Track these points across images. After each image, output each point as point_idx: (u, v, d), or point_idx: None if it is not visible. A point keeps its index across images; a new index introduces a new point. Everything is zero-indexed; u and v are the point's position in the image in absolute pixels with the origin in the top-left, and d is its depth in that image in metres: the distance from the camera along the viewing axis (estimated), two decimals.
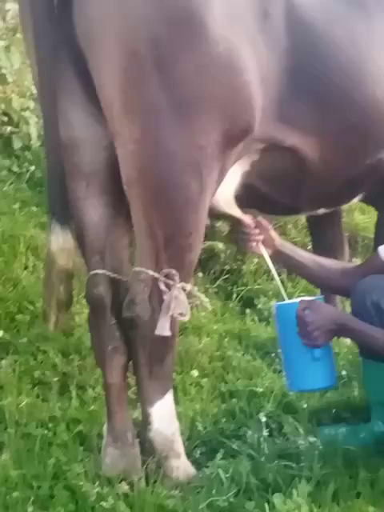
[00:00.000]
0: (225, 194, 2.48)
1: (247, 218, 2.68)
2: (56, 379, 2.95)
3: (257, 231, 2.71)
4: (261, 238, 2.72)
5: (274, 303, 2.61)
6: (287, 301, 2.61)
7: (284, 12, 2.37)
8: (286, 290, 3.88)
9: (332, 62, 2.51)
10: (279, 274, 3.95)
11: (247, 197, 2.62)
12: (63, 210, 2.26)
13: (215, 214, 2.58)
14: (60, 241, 2.23)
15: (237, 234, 2.76)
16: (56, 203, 2.27)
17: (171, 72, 2.10)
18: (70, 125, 2.24)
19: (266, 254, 2.74)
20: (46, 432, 2.60)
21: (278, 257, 2.81)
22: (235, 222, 2.71)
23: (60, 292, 2.28)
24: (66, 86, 2.21)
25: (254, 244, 2.73)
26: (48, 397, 2.86)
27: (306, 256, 2.84)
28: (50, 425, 2.66)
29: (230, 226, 3.09)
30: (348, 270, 2.82)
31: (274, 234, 2.76)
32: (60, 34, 2.15)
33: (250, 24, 2.25)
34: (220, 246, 3.99)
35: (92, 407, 2.78)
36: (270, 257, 2.77)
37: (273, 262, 2.78)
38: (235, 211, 2.62)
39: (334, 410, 2.87)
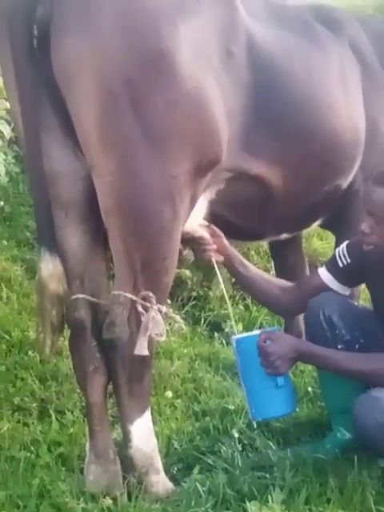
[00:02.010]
0: (196, 220, 2.61)
1: (202, 230, 2.77)
2: (35, 405, 3.03)
3: (211, 241, 2.79)
4: (215, 247, 2.80)
5: (233, 337, 2.68)
6: (245, 334, 2.70)
7: (245, 50, 2.52)
8: (250, 315, 4.06)
9: (291, 96, 2.67)
10: (244, 299, 4.13)
11: (214, 224, 2.76)
12: (51, 238, 2.35)
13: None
14: (50, 267, 2.32)
15: (193, 245, 2.84)
16: (44, 231, 2.36)
17: (144, 108, 2.22)
18: (50, 158, 2.32)
19: (216, 265, 2.82)
20: (28, 454, 2.68)
21: (228, 265, 2.89)
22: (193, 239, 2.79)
23: (53, 316, 2.37)
24: (45, 122, 2.29)
25: (211, 253, 2.80)
26: (28, 421, 2.94)
27: (252, 269, 2.93)
28: (33, 447, 2.74)
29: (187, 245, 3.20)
30: (288, 287, 2.92)
31: (226, 242, 2.83)
32: (39, 74, 2.23)
33: (215, 62, 2.40)
34: (187, 273, 4.09)
35: (71, 430, 2.86)
36: (221, 263, 2.86)
37: (222, 270, 2.89)
38: (197, 230, 2.73)
39: (301, 425, 2.99)
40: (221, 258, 2.84)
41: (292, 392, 2.64)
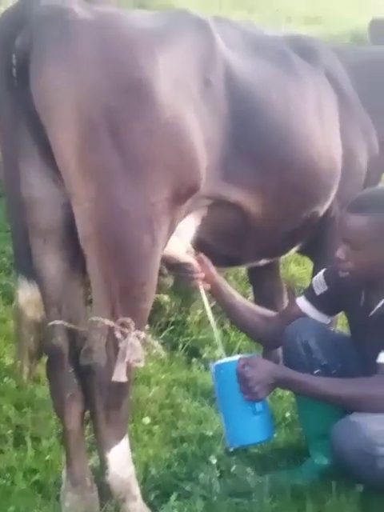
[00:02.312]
0: (184, 246, 2.65)
1: (190, 257, 2.80)
2: (10, 431, 3.00)
3: (198, 269, 2.82)
4: (202, 275, 2.84)
5: (212, 362, 2.70)
6: (224, 360, 2.69)
7: (224, 80, 2.56)
8: (228, 340, 4.07)
9: (269, 126, 2.71)
10: (222, 324, 4.14)
11: (197, 249, 2.79)
12: (29, 265, 2.36)
13: (171, 264, 2.73)
14: (27, 294, 2.32)
15: (180, 271, 2.86)
16: (21, 258, 2.36)
17: (123, 137, 2.25)
18: (29, 185, 2.33)
19: (203, 293, 2.85)
20: (4, 482, 2.66)
21: (215, 293, 2.93)
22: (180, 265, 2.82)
23: (31, 343, 2.37)
24: (24, 149, 2.31)
25: (198, 281, 2.84)
26: (4, 448, 2.91)
27: (238, 298, 2.97)
28: (8, 475, 2.72)
29: (173, 273, 3.21)
30: (271, 317, 2.96)
31: (213, 270, 2.88)
32: (19, 103, 2.25)
33: (194, 92, 2.44)
34: (165, 298, 4.09)
35: (48, 457, 2.84)
36: (208, 291, 2.89)
37: (210, 299, 2.92)
38: (187, 258, 2.76)
39: (279, 451, 2.99)
40: (207, 287, 2.87)
41: (270, 418, 2.64)
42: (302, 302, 2.88)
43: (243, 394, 2.51)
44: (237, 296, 2.97)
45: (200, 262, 2.83)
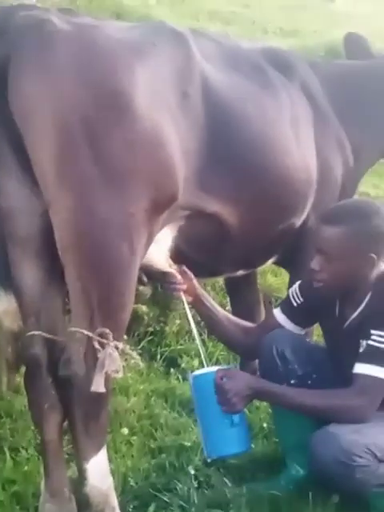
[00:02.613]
0: (162, 255, 2.65)
1: (172, 269, 2.81)
2: None
3: (181, 280, 2.83)
4: (184, 287, 2.84)
5: (190, 373, 2.71)
6: (202, 371, 2.70)
7: (201, 92, 2.59)
8: (207, 350, 4.07)
9: (245, 137, 2.74)
10: (201, 334, 4.14)
11: (175, 259, 2.78)
12: (6, 275, 2.35)
13: (151, 273, 2.73)
14: (4, 304, 2.32)
15: (163, 282, 2.87)
16: None
17: (101, 147, 2.25)
18: (6, 194, 2.33)
19: (186, 304, 2.87)
20: None
21: (197, 306, 2.94)
22: (162, 273, 2.83)
23: (8, 353, 2.36)
24: (2, 159, 2.30)
25: (180, 293, 2.85)
26: None
27: (220, 311, 2.98)
28: None
29: (155, 283, 3.21)
30: (250, 329, 2.98)
31: (196, 283, 2.89)
32: None
33: (172, 103, 2.46)
34: (143, 308, 4.09)
35: (26, 468, 2.82)
36: (190, 304, 2.90)
37: (193, 315, 2.93)
38: (166, 265, 2.77)
39: (256, 461, 3.00)
40: (190, 299, 2.88)
41: (247, 430, 2.66)
42: (279, 314, 2.91)
43: (221, 405, 2.52)
44: (218, 308, 2.99)
45: (183, 274, 2.84)
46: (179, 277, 2.82)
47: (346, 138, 3.39)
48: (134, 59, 2.36)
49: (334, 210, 2.68)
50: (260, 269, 3.97)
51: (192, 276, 2.87)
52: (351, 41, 3.88)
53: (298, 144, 3.01)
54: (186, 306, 2.88)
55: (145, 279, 2.79)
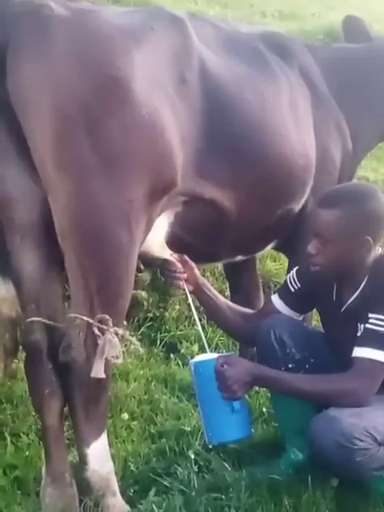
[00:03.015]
0: (158, 241, 2.64)
1: (173, 258, 2.82)
2: None
3: (182, 269, 2.84)
4: (185, 276, 2.85)
5: (190, 360, 2.72)
6: (203, 357, 2.71)
7: (199, 77, 2.58)
8: (206, 336, 4.08)
9: (243, 122, 2.73)
10: (200, 320, 4.15)
11: (172, 245, 2.79)
12: (4, 262, 2.35)
13: (147, 260, 2.74)
14: (2, 291, 2.33)
15: (164, 271, 2.88)
16: None
17: (100, 133, 2.26)
18: (5, 181, 2.33)
19: (188, 292, 2.87)
20: None
21: (198, 294, 2.95)
22: (163, 261, 2.84)
23: (6, 340, 2.37)
24: (1, 145, 2.31)
25: (180, 281, 2.85)
26: None
27: (220, 299, 2.99)
28: None
29: (154, 269, 3.21)
30: (250, 316, 2.99)
31: (197, 272, 2.90)
32: None
33: (170, 89, 2.45)
34: (143, 294, 4.10)
35: (27, 453, 2.85)
36: (191, 293, 2.91)
37: (193, 299, 2.94)
38: (166, 253, 2.78)
39: (256, 445, 3.02)
40: (191, 288, 2.88)
41: (247, 416, 2.67)
42: (277, 300, 2.92)
43: (221, 392, 2.53)
44: (219, 296, 3.00)
45: (184, 263, 2.84)
46: (179, 265, 2.83)
47: (344, 122, 3.38)
48: (131, 44, 2.35)
49: (330, 193, 2.69)
50: (259, 254, 3.97)
51: (193, 265, 2.87)
52: (349, 24, 3.86)
53: (297, 129, 3.00)
54: (187, 293, 2.88)
55: (141, 266, 2.80)
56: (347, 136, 3.39)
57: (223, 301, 3.00)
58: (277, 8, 8.76)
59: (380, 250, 2.71)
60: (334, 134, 3.33)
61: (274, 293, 3.03)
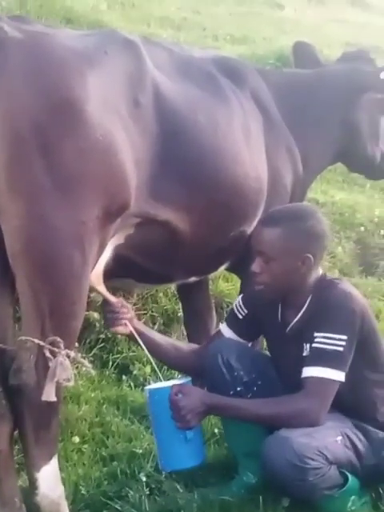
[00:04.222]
0: (95, 270, 2.57)
1: (113, 298, 2.82)
2: None
3: (125, 310, 2.82)
4: (129, 316, 2.83)
5: (146, 387, 2.72)
6: (158, 385, 2.72)
7: (153, 101, 2.60)
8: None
9: (197, 145, 2.76)
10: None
11: (125, 268, 2.78)
12: None
13: None
14: None
15: (105, 313, 2.87)
16: None
17: (54, 155, 2.25)
18: None
19: (135, 333, 2.84)
20: None
21: (138, 335, 2.88)
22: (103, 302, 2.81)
23: None
24: None
25: (123, 323, 2.82)
26: None
27: (160, 337, 3.00)
28: None
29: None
30: (198, 349, 3.01)
31: (133, 313, 2.89)
32: None
33: (123, 112, 2.47)
34: (95, 315, 4.06)
35: None
36: (128, 336, 2.89)
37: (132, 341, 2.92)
38: (102, 288, 2.73)
39: (208, 467, 3.02)
40: (131, 328, 2.85)
41: (201, 444, 2.70)
42: (226, 330, 2.95)
43: (175, 421, 2.54)
44: (157, 335, 3.01)
45: (121, 304, 2.83)
46: (120, 307, 2.81)
47: (295, 146, 3.44)
48: (85, 67, 2.36)
49: (271, 212, 2.79)
50: (212, 275, 3.99)
51: (128, 306, 2.86)
52: (299, 49, 3.95)
53: (249, 152, 3.04)
54: (133, 331, 2.84)
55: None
56: (298, 159, 3.45)
57: (162, 338, 3.00)
58: (229, 32, 8.88)
59: (321, 270, 2.78)
60: (285, 157, 3.38)
61: (223, 322, 3.05)
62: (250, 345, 2.99)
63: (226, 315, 4.49)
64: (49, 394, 2.33)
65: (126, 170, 2.42)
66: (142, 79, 2.57)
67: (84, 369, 2.61)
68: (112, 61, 2.47)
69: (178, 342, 3.07)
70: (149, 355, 2.88)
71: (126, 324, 2.83)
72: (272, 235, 2.63)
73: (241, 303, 2.92)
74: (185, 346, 3.05)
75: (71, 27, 3.03)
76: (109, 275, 2.73)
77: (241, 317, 2.90)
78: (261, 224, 2.74)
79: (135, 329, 2.86)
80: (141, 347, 2.88)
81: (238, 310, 2.92)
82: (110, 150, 2.37)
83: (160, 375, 2.82)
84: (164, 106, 2.64)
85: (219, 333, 2.97)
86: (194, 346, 3.08)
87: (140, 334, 2.88)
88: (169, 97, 2.68)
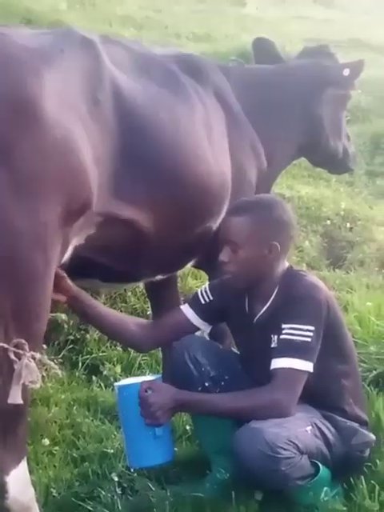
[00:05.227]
0: None
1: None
2: None
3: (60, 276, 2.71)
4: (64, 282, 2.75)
5: (115, 384, 2.70)
6: (127, 381, 2.71)
7: (112, 99, 2.58)
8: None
9: (157, 143, 2.75)
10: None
11: (89, 267, 2.77)
12: None
13: None
14: None
15: None
16: None
17: (12, 155, 2.22)
18: None
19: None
20: None
21: (74, 304, 2.86)
22: None
23: None
24: None
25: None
26: None
27: (102, 307, 2.97)
28: None
29: None
30: (146, 324, 3.02)
31: (70, 282, 2.80)
32: None
33: (82, 110, 2.45)
34: (63, 316, 4.03)
35: None
36: (66, 303, 2.83)
37: (70, 310, 2.88)
38: None
39: (181, 464, 3.01)
40: (64, 298, 2.81)
41: (170, 441, 2.68)
42: (187, 309, 2.94)
43: (144, 418, 2.53)
44: (100, 306, 2.98)
45: (56, 274, 2.69)
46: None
47: (258, 141, 3.46)
48: (42, 66, 2.34)
49: (238, 202, 2.86)
50: (180, 272, 3.99)
51: (63, 274, 2.76)
52: (259, 45, 3.97)
53: (212, 149, 3.04)
54: None
55: None
56: (262, 155, 3.47)
57: (105, 309, 2.98)
58: (191, 30, 8.90)
59: (287, 263, 2.82)
60: (249, 153, 3.40)
61: (184, 303, 3.05)
62: (209, 329, 2.99)
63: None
64: (15, 397, 2.30)
65: (86, 168, 2.41)
66: (100, 77, 2.55)
67: (53, 370, 2.58)
68: (69, 59, 2.46)
69: (122, 314, 3.04)
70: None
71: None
72: (239, 223, 2.69)
73: (207, 290, 2.93)
74: (130, 318, 3.05)
75: (31, 28, 3.01)
76: (73, 275, 2.71)
77: (204, 302, 2.91)
78: (228, 213, 2.83)
79: (70, 298, 2.81)
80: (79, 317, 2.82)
81: (202, 295, 2.92)
82: (69, 150, 2.34)
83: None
84: (123, 103, 2.62)
85: (180, 312, 2.95)
86: (141, 320, 3.07)
87: (80, 305, 2.85)
88: (128, 94, 2.67)
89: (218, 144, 3.12)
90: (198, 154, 2.94)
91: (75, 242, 2.59)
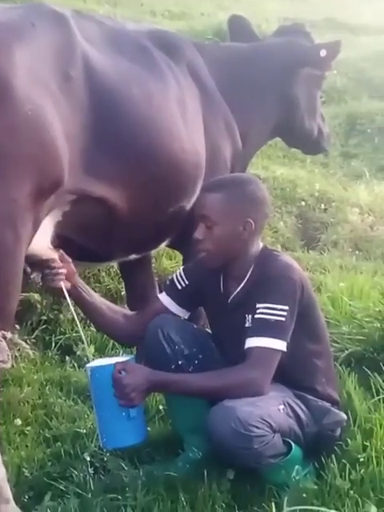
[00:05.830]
0: (42, 243, 2.57)
1: (55, 254, 2.73)
2: None
3: (61, 265, 2.75)
4: (65, 271, 2.76)
5: (87, 365, 2.66)
6: (99, 362, 2.69)
7: (83, 74, 2.56)
8: (102, 338, 4.01)
9: (130, 119, 2.72)
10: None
11: (62, 246, 2.74)
12: None
13: (34, 262, 2.66)
14: None
15: (44, 269, 2.76)
16: None
17: None
18: None
19: (66, 292, 2.77)
20: None
21: (75, 292, 2.85)
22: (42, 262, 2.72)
23: None
24: None
25: (60, 279, 2.75)
26: None
27: (98, 298, 2.95)
28: None
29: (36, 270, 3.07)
30: (132, 315, 2.99)
31: (73, 268, 2.81)
32: None
33: (53, 86, 2.42)
34: (36, 296, 4.00)
35: None
36: (68, 291, 2.80)
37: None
38: (50, 254, 2.69)
39: (154, 443, 3.01)
40: (68, 285, 2.80)
41: (143, 421, 2.67)
42: (164, 297, 2.93)
43: (118, 399, 2.51)
44: (96, 296, 2.96)
45: (61, 259, 2.76)
46: (59, 261, 2.75)
47: (233, 120, 3.43)
48: (12, 41, 2.30)
49: (214, 179, 2.86)
50: (155, 252, 3.97)
51: (70, 260, 2.78)
52: (235, 23, 3.93)
53: (186, 127, 3.01)
54: (67, 295, 2.78)
55: (28, 270, 2.73)
56: (237, 134, 3.45)
57: (100, 300, 2.96)
58: (167, 7, 8.84)
59: (262, 244, 2.81)
60: (224, 132, 3.37)
61: (161, 292, 3.04)
62: (187, 316, 2.97)
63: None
64: None
65: (57, 145, 2.38)
66: (72, 52, 2.52)
67: (25, 351, 2.56)
68: (40, 34, 2.42)
69: (114, 306, 3.02)
70: (75, 315, 2.87)
71: (60, 280, 2.75)
72: (214, 200, 2.68)
73: (182, 274, 2.91)
74: (120, 310, 3.01)
75: (1, 2, 2.94)
76: None
77: (180, 287, 2.89)
78: (203, 190, 2.83)
79: (72, 285, 2.80)
80: (69, 303, 2.82)
81: (178, 280, 2.91)
82: (40, 125, 2.32)
83: (89, 356, 2.73)
84: (95, 79, 2.59)
85: (158, 301, 2.94)
86: (129, 311, 3.05)
87: (79, 293, 2.84)
88: (100, 70, 2.64)
89: (192, 122, 3.09)
90: (171, 131, 2.91)
91: (54, 218, 2.56)
